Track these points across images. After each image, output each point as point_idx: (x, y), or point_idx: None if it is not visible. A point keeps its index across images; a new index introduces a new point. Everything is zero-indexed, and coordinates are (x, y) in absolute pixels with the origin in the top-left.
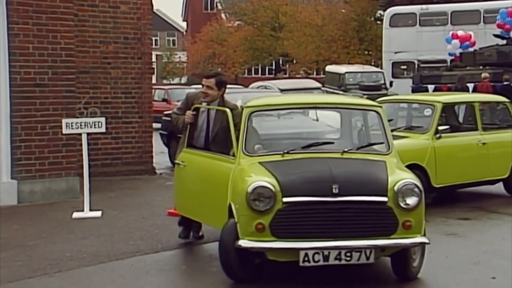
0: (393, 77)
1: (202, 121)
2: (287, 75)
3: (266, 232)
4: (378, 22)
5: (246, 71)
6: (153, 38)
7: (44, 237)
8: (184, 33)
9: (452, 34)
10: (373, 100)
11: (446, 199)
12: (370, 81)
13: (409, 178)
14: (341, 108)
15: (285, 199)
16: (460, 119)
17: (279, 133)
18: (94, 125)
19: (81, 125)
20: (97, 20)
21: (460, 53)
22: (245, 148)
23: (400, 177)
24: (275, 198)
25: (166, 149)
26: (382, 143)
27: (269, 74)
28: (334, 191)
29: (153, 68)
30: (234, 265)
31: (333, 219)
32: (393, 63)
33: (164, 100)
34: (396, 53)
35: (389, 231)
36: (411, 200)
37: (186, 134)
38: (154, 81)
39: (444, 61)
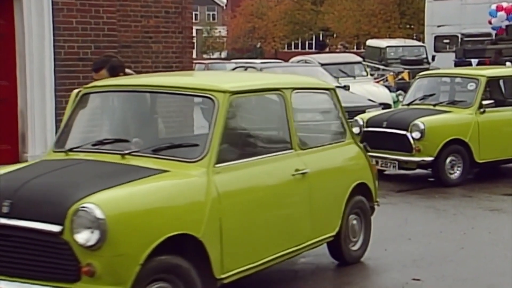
0: (435, 51)
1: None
2: (327, 50)
3: None
4: None
5: (286, 45)
6: (194, 13)
7: None
8: (224, 7)
9: (497, 7)
10: (415, 74)
11: (490, 174)
12: (412, 55)
13: (100, 201)
14: (172, 94)
15: None
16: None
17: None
18: None
19: None
20: None
21: (506, 26)
22: (56, 142)
23: (91, 199)
24: None
25: (206, 123)
26: (195, 145)
27: (309, 48)
28: (3, 210)
29: (194, 43)
30: None
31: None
32: (435, 37)
33: None
34: (438, 26)
35: (70, 277)
36: (84, 236)
37: None
38: (194, 55)
39: (489, 35)
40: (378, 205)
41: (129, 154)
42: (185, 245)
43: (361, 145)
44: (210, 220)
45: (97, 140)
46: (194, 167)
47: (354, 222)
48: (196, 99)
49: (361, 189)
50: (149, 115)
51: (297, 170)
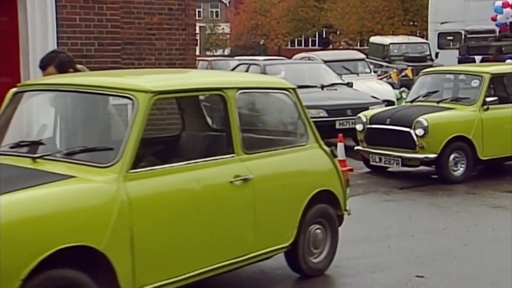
0: (439, 48)
1: None
2: (331, 47)
3: None
4: None
5: (289, 42)
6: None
7: None
8: (228, 4)
9: (503, 3)
10: (418, 71)
11: (493, 171)
12: (415, 52)
13: None
14: (92, 93)
15: None
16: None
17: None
18: None
19: None
20: None
21: (510, 23)
22: None
23: None
24: None
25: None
26: (109, 149)
27: (312, 45)
28: None
29: (197, 40)
30: None
31: None
32: (439, 34)
33: None
34: (442, 23)
35: None
36: None
37: None
38: (197, 52)
39: (492, 31)
40: (348, 213)
41: (40, 157)
42: (86, 258)
43: (328, 149)
44: (116, 230)
45: (15, 142)
46: (105, 172)
47: (317, 232)
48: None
49: (326, 196)
50: (71, 116)
51: (237, 176)
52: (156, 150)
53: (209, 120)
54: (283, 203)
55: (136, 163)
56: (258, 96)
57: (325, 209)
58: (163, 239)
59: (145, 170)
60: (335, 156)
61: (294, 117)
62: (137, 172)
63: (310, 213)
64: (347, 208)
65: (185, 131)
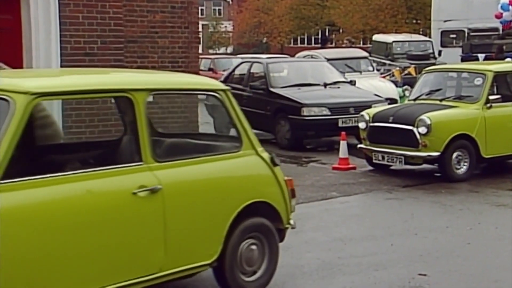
0: (442, 46)
1: None
2: (333, 45)
3: None
4: None
5: (292, 40)
6: (200, 8)
7: None
8: (230, 2)
9: (510, 1)
10: (421, 69)
11: (496, 170)
12: (418, 50)
13: None
14: None
15: None
16: None
17: None
18: None
19: None
20: None
21: None
22: None
23: None
24: None
25: (211, 120)
26: None
27: (315, 43)
28: None
29: (200, 38)
30: None
31: None
32: (442, 32)
33: (210, 69)
34: (445, 21)
35: None
36: None
37: None
38: (200, 50)
39: (496, 29)
40: (292, 227)
41: None
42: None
43: (267, 156)
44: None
45: None
46: None
47: (251, 248)
48: None
49: (262, 209)
50: None
51: (142, 186)
52: (35, 158)
53: (110, 124)
54: (203, 216)
55: (9, 173)
56: (177, 98)
57: (261, 222)
58: (41, 257)
59: (21, 181)
60: (275, 164)
61: (225, 122)
62: (10, 182)
63: (240, 227)
64: (291, 221)
65: (77, 137)
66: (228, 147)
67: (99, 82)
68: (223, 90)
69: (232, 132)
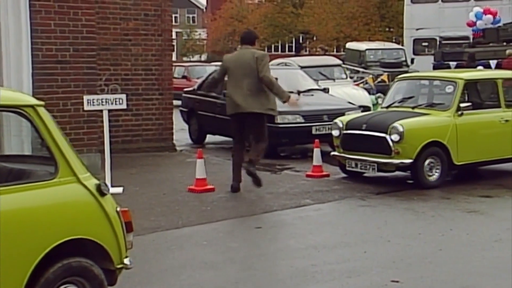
0: (414, 54)
1: None
2: (307, 53)
3: None
4: None
5: (266, 48)
6: (173, 15)
7: None
8: (204, 10)
9: (484, 10)
10: (394, 77)
11: (468, 176)
12: (391, 58)
13: None
14: None
15: None
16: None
17: None
18: (115, 101)
19: (102, 102)
20: None
21: (483, 30)
22: None
23: None
24: None
25: (186, 126)
26: None
27: (289, 51)
28: None
29: (173, 45)
30: None
31: None
32: (414, 40)
33: (184, 77)
34: (417, 29)
35: None
36: None
37: None
38: (174, 58)
39: (466, 38)
40: (128, 268)
41: None
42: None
43: (93, 184)
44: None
45: None
46: None
47: None
48: None
49: (83, 247)
50: None
51: None
52: None
53: None
54: None
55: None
56: None
57: (80, 264)
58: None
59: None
60: (102, 193)
61: (35, 145)
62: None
63: (51, 271)
64: (126, 260)
65: None
66: (33, 175)
67: None
68: (31, 106)
69: (42, 157)
